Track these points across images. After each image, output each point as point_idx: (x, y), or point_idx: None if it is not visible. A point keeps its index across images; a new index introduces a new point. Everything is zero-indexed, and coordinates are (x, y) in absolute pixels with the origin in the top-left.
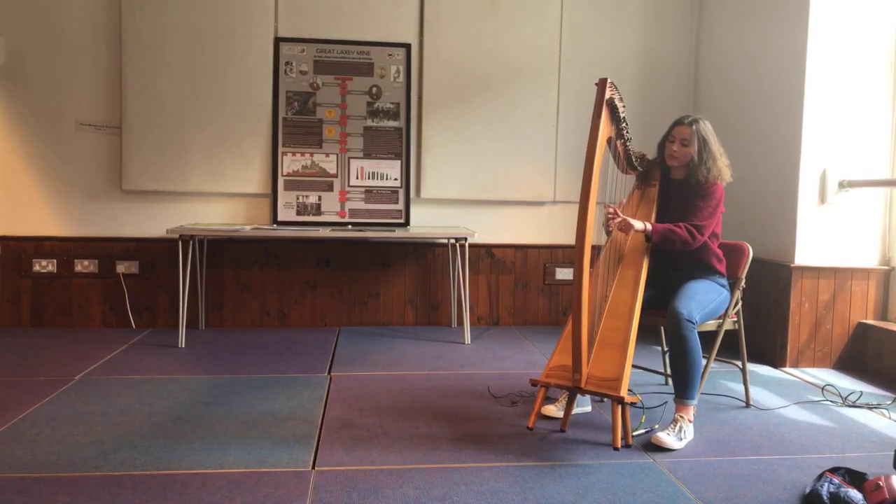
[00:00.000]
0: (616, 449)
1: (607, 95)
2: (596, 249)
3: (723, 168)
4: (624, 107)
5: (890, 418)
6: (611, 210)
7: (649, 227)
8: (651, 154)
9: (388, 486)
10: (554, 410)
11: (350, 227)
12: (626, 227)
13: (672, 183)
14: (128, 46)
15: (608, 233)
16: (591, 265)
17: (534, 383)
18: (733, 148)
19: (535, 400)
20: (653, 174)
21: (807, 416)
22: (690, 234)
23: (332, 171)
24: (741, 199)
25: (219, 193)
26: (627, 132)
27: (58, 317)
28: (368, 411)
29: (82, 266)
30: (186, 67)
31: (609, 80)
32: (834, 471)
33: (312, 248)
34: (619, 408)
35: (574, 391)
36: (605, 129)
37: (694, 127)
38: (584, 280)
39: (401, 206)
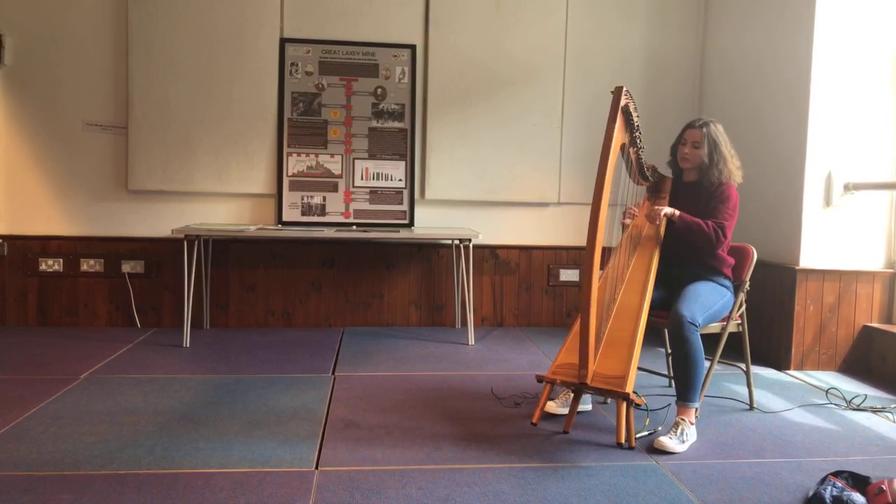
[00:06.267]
0: (619, 444)
1: (622, 103)
2: (606, 252)
3: (734, 169)
4: (638, 116)
5: (894, 422)
6: (631, 210)
7: (678, 213)
8: (661, 166)
9: (391, 487)
10: (554, 407)
11: (355, 227)
12: (654, 215)
13: (685, 185)
14: (134, 47)
15: (623, 228)
16: (601, 267)
17: (540, 379)
18: (738, 150)
19: (541, 396)
20: (663, 187)
21: (811, 420)
22: (716, 233)
23: (337, 171)
24: (746, 201)
25: (224, 194)
26: (641, 141)
27: (64, 316)
28: (372, 411)
29: (88, 265)
30: (192, 68)
31: (625, 89)
32: (837, 474)
33: (317, 249)
34: (624, 405)
35: (579, 389)
36: (619, 135)
37: (704, 130)
38: (594, 278)
39: (405, 206)
